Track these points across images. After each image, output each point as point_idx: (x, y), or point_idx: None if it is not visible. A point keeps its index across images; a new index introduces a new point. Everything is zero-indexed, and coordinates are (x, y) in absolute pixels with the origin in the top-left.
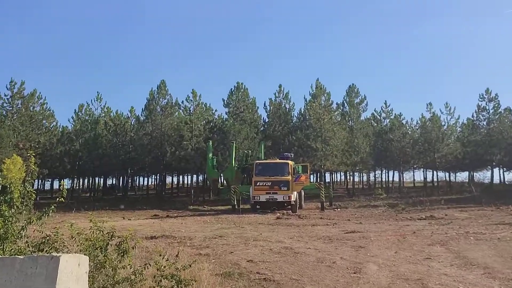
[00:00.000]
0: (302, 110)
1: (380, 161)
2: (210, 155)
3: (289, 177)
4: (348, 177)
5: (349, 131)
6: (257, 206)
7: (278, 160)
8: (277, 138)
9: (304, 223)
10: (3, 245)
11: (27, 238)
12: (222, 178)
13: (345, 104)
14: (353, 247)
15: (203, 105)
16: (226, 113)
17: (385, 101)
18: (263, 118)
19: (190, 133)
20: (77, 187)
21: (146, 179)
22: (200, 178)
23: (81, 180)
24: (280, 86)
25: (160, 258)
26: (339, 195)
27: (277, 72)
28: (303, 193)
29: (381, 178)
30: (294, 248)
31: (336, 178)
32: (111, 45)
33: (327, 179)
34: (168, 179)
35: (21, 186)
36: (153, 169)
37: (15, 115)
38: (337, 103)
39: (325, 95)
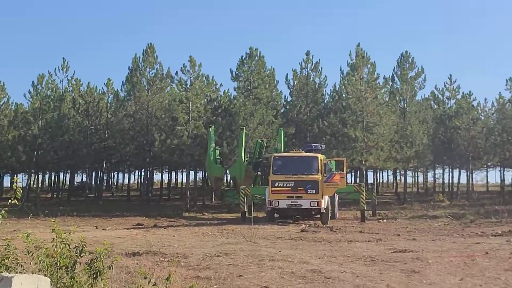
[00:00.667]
0: (337, 86)
1: (441, 156)
2: (212, 145)
3: (319, 176)
4: (398, 178)
5: (400, 115)
6: (275, 215)
7: (303, 153)
8: (303, 123)
9: (337, 238)
10: None
11: None
12: (228, 176)
13: (396, 78)
14: (403, 272)
15: (204, 78)
16: (234, 89)
17: (450, 75)
18: (285, 96)
19: (186, 115)
20: (35, 185)
21: (126, 176)
22: (199, 175)
23: (40, 175)
24: (307, 53)
25: (145, 281)
26: (385, 201)
27: (303, 34)
28: (337, 198)
29: (443, 179)
30: (324, 272)
31: (382, 178)
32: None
33: (370, 180)
34: (156, 177)
35: None
36: (136, 162)
37: None
38: (384, 77)
39: (369, 66)
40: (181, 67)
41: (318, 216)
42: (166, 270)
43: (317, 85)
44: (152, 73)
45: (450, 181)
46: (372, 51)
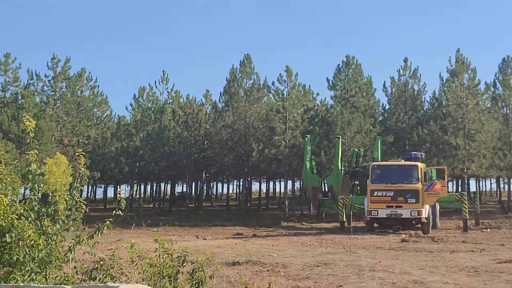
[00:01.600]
0: (437, 93)
1: None
2: (308, 154)
3: (419, 185)
4: (502, 186)
5: (503, 121)
6: (374, 224)
7: (403, 162)
8: (402, 131)
9: (439, 248)
10: (46, 271)
11: (75, 262)
12: (324, 185)
13: (497, 84)
14: (508, 283)
15: (301, 87)
16: (331, 98)
17: None
18: (382, 104)
19: (283, 124)
20: (137, 196)
21: (225, 185)
22: (297, 185)
23: (142, 186)
24: (405, 60)
25: None
26: (488, 210)
27: (401, 40)
28: (438, 207)
29: None
30: (426, 283)
31: (485, 186)
32: (175, 8)
33: (472, 188)
34: (254, 187)
35: (67, 194)
36: (234, 172)
37: (58, 101)
38: (486, 83)
39: (469, 72)
40: (278, 77)
41: (419, 225)
42: (266, 279)
43: (415, 92)
44: (249, 84)
45: None
46: (472, 57)
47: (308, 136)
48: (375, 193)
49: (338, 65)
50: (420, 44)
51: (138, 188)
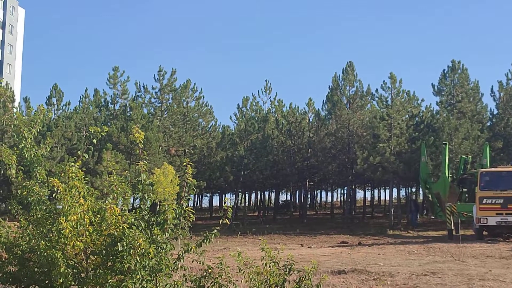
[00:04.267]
0: None
1: None
2: (424, 159)
3: None
4: None
5: None
6: (484, 232)
7: None
8: (511, 136)
9: None
10: (156, 279)
11: (184, 270)
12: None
13: None
14: None
15: (405, 94)
16: (437, 104)
17: None
18: (490, 109)
19: (387, 132)
20: (242, 204)
21: (329, 194)
22: (402, 192)
23: (247, 194)
24: None
25: None
26: None
27: (508, 43)
28: None
29: None
30: None
31: None
32: (281, 21)
33: None
34: (359, 194)
35: (175, 203)
36: (338, 180)
37: (165, 112)
38: None
39: None
40: (381, 84)
41: None
42: None
43: None
44: (352, 91)
45: None
46: None
47: (423, 142)
48: (484, 200)
49: (444, 70)
50: None
51: (243, 196)
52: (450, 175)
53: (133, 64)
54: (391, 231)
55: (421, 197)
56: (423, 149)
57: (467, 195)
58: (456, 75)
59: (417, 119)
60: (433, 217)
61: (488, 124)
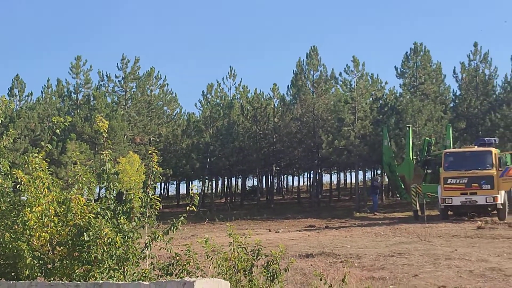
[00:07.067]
0: (509, 77)
1: None
2: (386, 143)
3: (493, 171)
4: None
5: None
6: (449, 212)
7: (476, 148)
8: (474, 117)
9: None
10: (124, 268)
11: (152, 258)
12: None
13: None
14: None
15: (369, 77)
16: (400, 86)
17: None
18: (453, 90)
19: (352, 115)
20: (209, 191)
21: (296, 178)
22: (368, 175)
23: (213, 181)
24: (475, 44)
25: (320, 283)
26: None
27: (470, 24)
28: None
29: None
30: (504, 270)
31: None
32: (244, 7)
33: None
34: (325, 178)
35: (142, 192)
36: (304, 165)
37: (129, 101)
38: None
39: None
40: (345, 68)
41: (495, 212)
42: (341, 271)
43: (487, 76)
44: (317, 76)
45: None
46: None
47: (385, 126)
48: (449, 181)
49: (406, 52)
50: (490, 25)
51: (210, 183)
52: (414, 157)
53: (95, 53)
54: (358, 213)
55: (386, 180)
56: (385, 132)
57: (431, 177)
58: (418, 57)
59: (381, 101)
60: (399, 198)
61: (451, 105)
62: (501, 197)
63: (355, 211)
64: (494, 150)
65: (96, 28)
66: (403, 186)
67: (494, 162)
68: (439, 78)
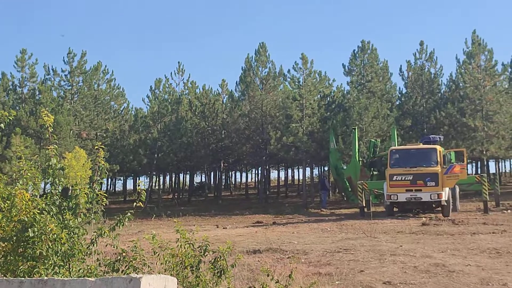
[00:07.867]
0: (454, 76)
1: None
2: (333, 145)
3: (438, 168)
4: None
5: None
6: (394, 209)
7: (421, 146)
8: (419, 114)
9: (460, 231)
10: (69, 264)
11: (98, 254)
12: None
13: None
14: None
15: (317, 74)
16: (347, 84)
17: None
18: (399, 88)
19: (300, 112)
20: (157, 187)
21: (244, 174)
22: (315, 172)
23: (161, 177)
24: (421, 43)
25: (267, 279)
26: (508, 192)
27: (416, 24)
28: (458, 190)
29: None
30: (448, 265)
31: (505, 168)
32: (192, 2)
33: (492, 170)
34: (273, 174)
35: (87, 188)
36: (253, 161)
37: (76, 96)
38: (503, 64)
39: (486, 53)
40: (293, 65)
41: (439, 209)
42: (288, 267)
43: (432, 75)
44: (265, 72)
45: None
46: (489, 38)
47: (331, 130)
48: (394, 177)
49: (354, 50)
50: (436, 25)
51: (157, 179)
52: (361, 159)
53: (41, 47)
54: (305, 209)
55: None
56: (331, 135)
57: (378, 177)
58: (366, 55)
59: (328, 99)
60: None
61: (397, 103)
62: (445, 194)
63: (302, 207)
64: (439, 148)
65: (42, 22)
66: (349, 189)
67: (439, 159)
68: (386, 76)
